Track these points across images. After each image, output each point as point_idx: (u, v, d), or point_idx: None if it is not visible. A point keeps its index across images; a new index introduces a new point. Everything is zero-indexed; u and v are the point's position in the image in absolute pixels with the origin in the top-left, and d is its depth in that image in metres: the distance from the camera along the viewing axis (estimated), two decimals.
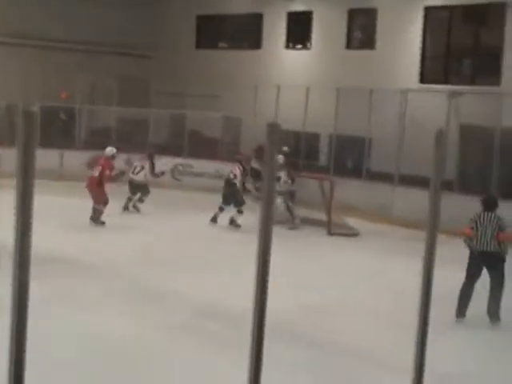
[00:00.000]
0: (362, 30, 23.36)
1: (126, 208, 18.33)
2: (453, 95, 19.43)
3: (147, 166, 18.63)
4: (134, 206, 18.45)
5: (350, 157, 21.98)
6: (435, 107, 19.09)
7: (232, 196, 17.12)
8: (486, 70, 20.75)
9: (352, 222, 17.46)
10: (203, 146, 23.07)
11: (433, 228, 4.50)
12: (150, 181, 18.75)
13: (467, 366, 8.68)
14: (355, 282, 12.24)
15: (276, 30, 24.73)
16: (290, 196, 17.57)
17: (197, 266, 12.79)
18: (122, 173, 17.15)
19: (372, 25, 22.43)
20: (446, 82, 21.00)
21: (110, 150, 17.01)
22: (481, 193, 17.90)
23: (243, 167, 17.75)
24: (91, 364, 8.02)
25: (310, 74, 23.53)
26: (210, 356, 8.37)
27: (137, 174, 18.54)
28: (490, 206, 10.63)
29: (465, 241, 10.52)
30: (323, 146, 22.70)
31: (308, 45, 24.16)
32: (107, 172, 16.43)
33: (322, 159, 22.61)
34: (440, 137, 4.55)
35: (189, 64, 25.99)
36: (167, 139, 24.50)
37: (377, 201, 19.09)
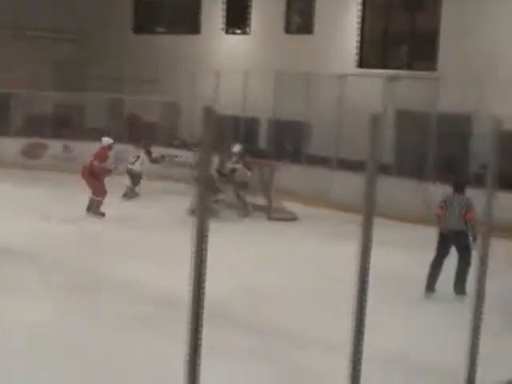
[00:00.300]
0: (300, 15, 23.36)
1: (126, 195, 18.48)
2: (390, 80, 19.61)
3: (142, 155, 18.75)
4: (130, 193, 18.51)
5: (289, 141, 22.06)
6: (373, 92, 19.25)
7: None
8: (422, 54, 20.95)
9: (291, 206, 17.52)
10: (142, 131, 22.90)
11: (369, 211, 4.54)
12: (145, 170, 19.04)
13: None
14: (294, 267, 12.29)
15: (215, 15, 24.61)
16: (243, 186, 17.51)
17: (141, 253, 12.71)
18: (109, 170, 16.70)
19: (310, 9, 22.46)
20: (383, 66, 21.14)
21: (106, 141, 16.79)
22: (418, 176, 18.23)
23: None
24: (29, 352, 7.94)
25: (249, 58, 23.50)
26: (151, 340, 8.34)
27: (133, 163, 18.60)
28: (459, 188, 11.34)
29: (436, 221, 11.34)
30: (263, 131, 22.72)
31: (247, 30, 24.10)
32: (96, 162, 16.15)
33: (262, 144, 22.63)
34: (374, 121, 4.58)
35: (127, 49, 25.73)
36: (105, 124, 24.25)
37: (316, 185, 19.20)
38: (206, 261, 3.98)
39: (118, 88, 24.19)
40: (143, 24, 26.87)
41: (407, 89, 19.40)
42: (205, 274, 3.99)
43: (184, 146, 21.92)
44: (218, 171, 16.98)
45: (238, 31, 24.41)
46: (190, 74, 22.48)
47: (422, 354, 8.40)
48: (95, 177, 16.02)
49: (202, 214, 4.00)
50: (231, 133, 21.30)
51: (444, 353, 8.16)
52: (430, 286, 11.06)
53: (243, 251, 13.31)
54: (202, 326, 4.00)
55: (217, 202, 16.27)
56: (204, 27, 25.02)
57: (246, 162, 17.80)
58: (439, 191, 17.22)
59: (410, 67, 20.86)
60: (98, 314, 9.38)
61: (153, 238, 14.18)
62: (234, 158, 17.72)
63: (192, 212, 16.94)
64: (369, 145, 4.64)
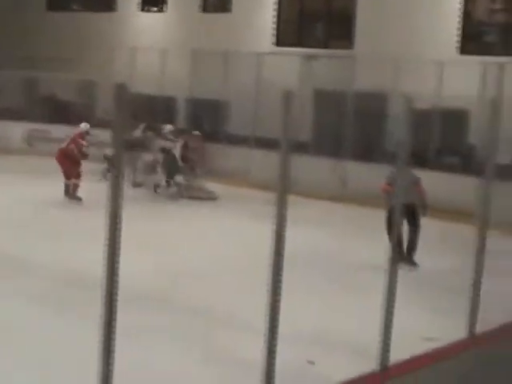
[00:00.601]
0: None
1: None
2: (307, 58, 19.73)
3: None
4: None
5: (207, 120, 22.00)
6: (290, 70, 19.34)
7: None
8: (339, 33, 21.10)
9: (211, 185, 17.49)
10: (58, 110, 22.52)
11: (283, 189, 4.57)
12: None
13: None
14: (214, 245, 12.28)
15: None
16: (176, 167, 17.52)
17: (55, 234, 12.52)
18: (87, 154, 16.36)
19: None
20: (300, 45, 21.24)
21: (84, 126, 16.47)
22: (335, 155, 18.41)
23: None
24: None
25: (166, 37, 23.32)
26: (61, 320, 8.24)
27: None
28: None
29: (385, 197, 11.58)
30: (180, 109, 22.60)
31: (163, 8, 23.89)
32: (71, 146, 15.88)
33: (179, 123, 22.49)
34: (287, 98, 4.60)
35: (41, 27, 25.23)
36: (19, 104, 23.71)
37: (235, 164, 19.22)
38: (119, 240, 3.94)
39: (33, 67, 23.67)
40: (57, 1, 26.36)
41: (324, 68, 19.55)
42: (118, 253, 3.96)
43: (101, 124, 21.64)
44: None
45: (155, 9, 24.18)
46: (106, 52, 22.19)
47: (337, 332, 8.48)
48: (71, 160, 15.82)
49: (115, 195, 3.95)
50: (147, 111, 21.14)
51: (359, 330, 8.25)
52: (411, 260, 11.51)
53: (162, 230, 13.23)
54: (115, 306, 3.96)
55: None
56: (120, 5, 24.70)
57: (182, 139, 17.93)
58: (358, 170, 17.61)
59: (326, 46, 21.00)
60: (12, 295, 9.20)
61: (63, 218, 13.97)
62: (168, 137, 17.80)
63: (137, 185, 17.09)
64: (281, 121, 4.67)
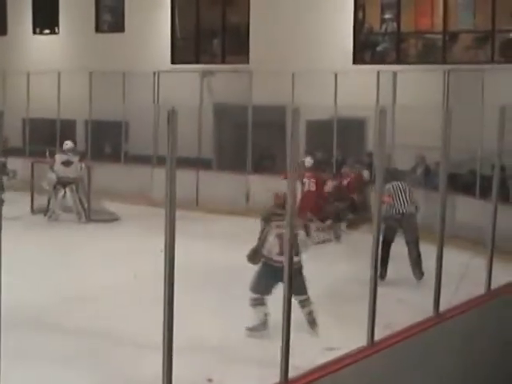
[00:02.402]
0: (110, 14, 23.10)
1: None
2: (205, 74, 19.77)
3: None
4: None
5: (107, 141, 21.79)
6: (189, 87, 19.36)
7: None
8: (235, 48, 21.21)
9: (113, 206, 17.28)
10: None
11: (171, 205, 4.54)
12: None
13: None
14: (116, 267, 12.10)
15: (22, 15, 23.92)
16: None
17: None
18: None
19: (120, 7, 22.29)
20: (197, 61, 21.27)
21: None
22: (238, 169, 18.44)
23: None
24: None
25: (60, 59, 23.01)
26: None
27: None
28: (398, 176, 12.24)
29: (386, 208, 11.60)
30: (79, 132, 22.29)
31: (56, 29, 23.58)
32: None
33: (79, 145, 22.16)
34: (172, 115, 4.58)
35: None
36: None
37: (137, 184, 19.06)
38: None
39: None
40: None
41: (222, 83, 19.63)
42: None
43: None
44: None
45: (47, 31, 23.84)
46: None
47: (237, 346, 8.44)
48: None
49: None
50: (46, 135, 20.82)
51: (260, 343, 8.23)
52: (382, 274, 11.28)
53: (63, 256, 12.99)
54: None
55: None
56: (11, 28, 24.26)
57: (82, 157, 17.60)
58: (260, 183, 17.68)
59: (223, 61, 21.09)
60: None
61: None
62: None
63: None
64: (168, 139, 4.66)
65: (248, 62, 20.16)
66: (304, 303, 8.91)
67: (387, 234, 11.51)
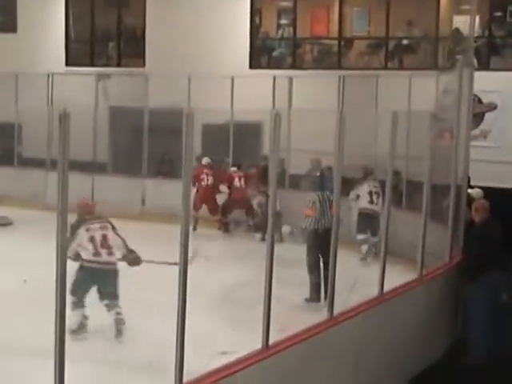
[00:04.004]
0: (1, 13, 22.57)
1: None
2: (100, 77, 19.54)
3: None
4: None
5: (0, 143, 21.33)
6: (83, 90, 19.09)
7: None
8: (130, 51, 21.07)
9: (4, 211, 16.88)
10: None
11: (63, 209, 4.46)
12: None
13: None
14: (6, 273, 11.77)
15: None
16: None
17: None
18: None
19: (12, 7, 21.83)
20: (92, 64, 21.03)
21: None
22: (135, 173, 18.30)
23: None
24: None
25: None
26: None
27: None
28: (323, 186, 10.99)
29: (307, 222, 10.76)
30: None
31: None
32: None
33: None
34: (64, 118, 4.51)
35: None
36: None
37: (30, 188, 18.68)
38: None
39: None
40: None
41: (119, 86, 19.45)
42: None
43: None
44: None
45: None
46: None
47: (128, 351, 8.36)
48: None
49: None
50: None
51: (152, 348, 8.13)
52: (316, 297, 10.30)
53: None
54: None
55: None
56: None
57: None
58: (155, 187, 17.58)
59: (119, 64, 20.91)
60: None
61: None
62: None
63: None
64: (60, 141, 4.58)
65: (144, 66, 20.05)
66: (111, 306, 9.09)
67: (315, 249, 10.36)
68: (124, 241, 9.37)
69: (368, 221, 13.68)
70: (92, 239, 9.06)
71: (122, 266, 9.24)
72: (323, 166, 16.41)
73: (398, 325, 8.25)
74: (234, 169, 16.90)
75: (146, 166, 18.48)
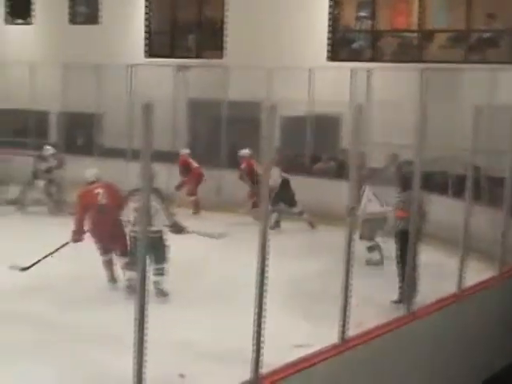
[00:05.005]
0: (85, 5, 22.92)
1: None
2: (180, 69, 19.69)
3: None
4: None
5: (81, 133, 21.67)
6: (164, 81, 19.28)
7: None
8: (210, 43, 21.16)
9: None
10: None
11: (146, 195, 4.49)
12: None
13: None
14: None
15: None
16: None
17: None
18: None
19: (96, 0, 22.15)
20: (172, 56, 21.20)
21: None
22: (211, 164, 18.41)
23: None
24: None
25: (34, 50, 22.83)
26: None
27: None
28: (406, 183, 9.68)
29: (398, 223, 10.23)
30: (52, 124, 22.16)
31: (30, 20, 23.38)
32: None
33: (53, 137, 22.03)
34: (147, 109, 4.54)
35: None
36: None
37: (111, 177, 18.90)
38: None
39: None
40: None
41: (197, 78, 19.57)
42: None
43: None
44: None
45: (21, 21, 23.62)
46: None
47: (207, 342, 8.39)
48: None
49: None
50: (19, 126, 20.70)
51: (230, 340, 8.15)
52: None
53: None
54: None
55: None
56: None
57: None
58: (231, 176, 17.65)
59: (198, 56, 21.04)
60: None
61: None
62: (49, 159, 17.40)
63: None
64: (142, 132, 4.62)
65: (222, 57, 20.14)
66: (158, 271, 9.83)
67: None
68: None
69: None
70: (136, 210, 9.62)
71: None
72: (401, 160, 16.26)
73: (474, 323, 8.12)
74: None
75: (224, 157, 18.60)
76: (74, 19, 22.69)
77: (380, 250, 12.43)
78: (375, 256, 12.45)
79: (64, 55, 21.19)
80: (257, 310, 5.14)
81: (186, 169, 17.81)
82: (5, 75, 21.47)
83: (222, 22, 20.38)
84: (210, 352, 8.02)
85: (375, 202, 12.85)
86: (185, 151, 18.12)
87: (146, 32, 21.59)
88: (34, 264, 10.37)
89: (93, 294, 10.36)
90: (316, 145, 18.08)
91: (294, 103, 16.49)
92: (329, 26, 19.23)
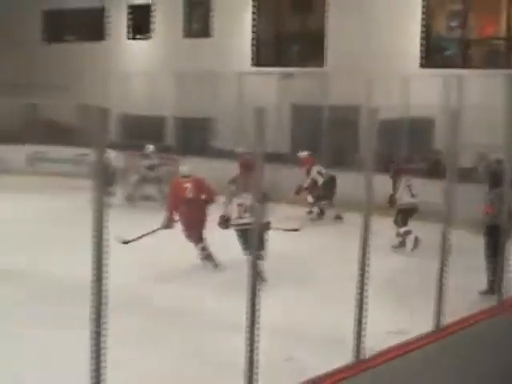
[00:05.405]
0: (198, 21, 23.27)
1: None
2: (283, 76, 19.80)
3: None
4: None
5: (194, 137, 22.00)
6: (269, 88, 19.45)
7: None
8: (311, 52, 21.18)
9: None
10: (56, 133, 22.38)
11: (258, 196, 4.51)
12: None
13: None
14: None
15: (118, 22, 24.32)
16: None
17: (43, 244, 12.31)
18: None
19: (208, 16, 22.46)
20: (277, 64, 21.32)
21: None
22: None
23: None
24: None
25: (152, 62, 23.38)
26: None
27: None
28: (497, 182, 9.59)
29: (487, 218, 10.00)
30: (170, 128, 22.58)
31: (149, 35, 23.90)
32: None
33: (169, 140, 22.44)
34: (259, 113, 4.56)
35: (37, 58, 25.12)
36: (19, 128, 23.23)
37: (221, 176, 19.09)
38: (105, 250, 3.89)
39: (32, 94, 23.35)
40: (52, 33, 26.21)
41: (299, 85, 19.63)
42: (106, 262, 3.90)
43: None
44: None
45: (141, 37, 24.16)
46: (97, 78, 22.10)
47: (311, 327, 8.35)
48: None
49: (100, 207, 3.90)
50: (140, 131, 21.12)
51: (333, 325, 8.09)
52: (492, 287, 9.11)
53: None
54: (104, 311, 3.90)
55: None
56: (109, 34, 24.69)
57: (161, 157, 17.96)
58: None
59: (300, 65, 21.08)
60: None
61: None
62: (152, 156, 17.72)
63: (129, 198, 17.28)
64: (255, 135, 4.64)
65: (323, 65, 20.15)
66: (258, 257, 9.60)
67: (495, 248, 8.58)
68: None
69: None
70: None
71: None
72: (492, 159, 15.82)
73: None
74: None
75: (324, 157, 18.57)
76: (188, 33, 23.09)
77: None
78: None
79: (179, 66, 21.60)
80: (358, 297, 5.11)
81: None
82: (128, 85, 21.99)
83: (323, 33, 20.38)
84: (311, 336, 8.01)
85: (407, 193, 13.18)
86: (303, 154, 17.00)
87: (252, 44, 21.76)
88: (133, 240, 10.66)
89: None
90: (410, 146, 17.86)
91: (389, 107, 16.32)
92: (422, 34, 18.99)
